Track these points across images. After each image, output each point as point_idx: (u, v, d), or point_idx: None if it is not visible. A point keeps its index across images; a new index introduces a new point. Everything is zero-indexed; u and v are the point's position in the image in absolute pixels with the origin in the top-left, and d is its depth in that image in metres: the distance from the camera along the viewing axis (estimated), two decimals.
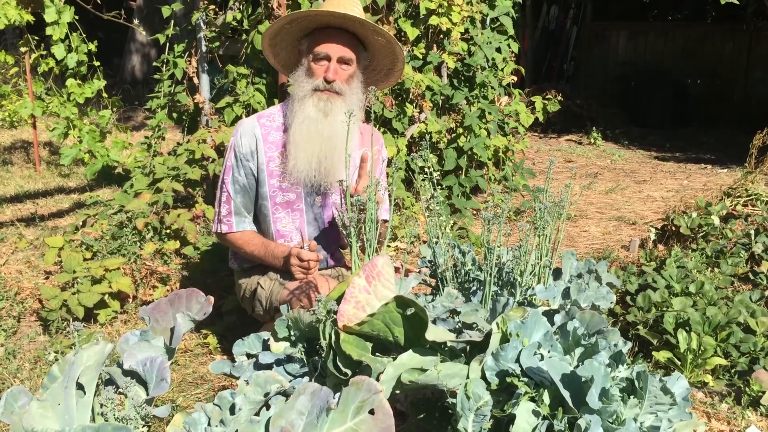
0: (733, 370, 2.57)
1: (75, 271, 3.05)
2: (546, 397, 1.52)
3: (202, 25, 3.92)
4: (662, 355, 2.59)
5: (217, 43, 3.98)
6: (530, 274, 2.05)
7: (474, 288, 2.23)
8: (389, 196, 2.67)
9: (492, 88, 4.65)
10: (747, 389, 2.43)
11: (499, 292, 2.07)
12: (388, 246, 3.37)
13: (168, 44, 4.13)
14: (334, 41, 2.31)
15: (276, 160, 2.44)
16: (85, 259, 3.20)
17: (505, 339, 1.64)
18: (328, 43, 2.31)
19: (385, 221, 2.48)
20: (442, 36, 4.37)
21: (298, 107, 2.34)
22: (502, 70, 4.88)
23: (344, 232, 1.99)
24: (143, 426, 1.63)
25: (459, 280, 2.35)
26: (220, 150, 3.85)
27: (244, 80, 3.90)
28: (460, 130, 4.41)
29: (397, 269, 1.87)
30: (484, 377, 1.57)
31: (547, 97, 5.26)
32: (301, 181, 2.41)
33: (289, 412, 1.47)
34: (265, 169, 2.44)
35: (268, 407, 1.61)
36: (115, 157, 4.29)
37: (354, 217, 1.92)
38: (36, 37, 4.09)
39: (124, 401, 1.64)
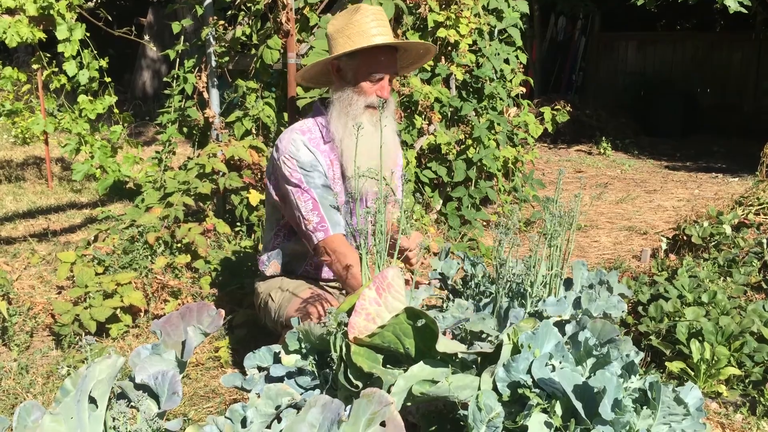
0: (747, 380, 2.55)
1: (87, 286, 3.07)
2: (558, 409, 1.51)
3: (211, 40, 3.95)
4: (675, 366, 2.58)
5: (227, 58, 4.01)
6: (541, 285, 2.04)
7: (485, 301, 2.22)
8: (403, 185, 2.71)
9: (501, 99, 4.65)
10: (762, 399, 2.41)
11: (510, 303, 2.06)
12: (398, 258, 3.37)
13: (178, 60, 4.17)
14: (388, 63, 2.38)
15: (329, 168, 2.47)
16: (97, 274, 3.22)
17: (516, 350, 1.63)
18: (383, 66, 2.37)
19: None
20: (450, 48, 4.38)
21: (354, 124, 2.35)
22: (510, 81, 4.88)
23: (354, 244, 2.00)
24: None
25: (469, 291, 2.35)
26: (230, 164, 3.87)
27: (254, 94, 3.92)
28: (469, 142, 4.41)
29: (407, 281, 1.87)
30: (495, 389, 1.56)
31: (556, 107, 5.26)
32: (348, 189, 2.45)
33: (300, 425, 1.47)
34: (328, 174, 2.46)
35: (279, 420, 1.61)
36: (126, 172, 4.32)
37: (364, 229, 1.92)
38: (48, 54, 4.14)
39: (136, 415, 1.64)
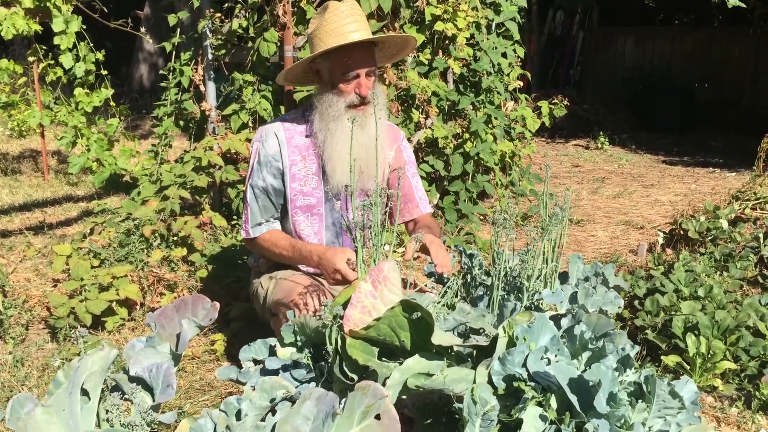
0: (742, 374, 2.55)
1: (83, 279, 3.06)
2: (553, 402, 1.51)
3: (208, 33, 3.94)
4: (671, 360, 2.58)
5: (223, 51, 4.00)
6: (537, 278, 2.04)
7: (481, 293, 2.22)
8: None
9: (498, 93, 4.64)
10: (757, 393, 2.41)
11: (506, 296, 2.06)
12: (395, 252, 3.36)
13: (175, 52, 4.15)
14: (360, 59, 2.30)
15: (298, 164, 2.45)
16: (92, 267, 3.21)
17: (511, 343, 1.63)
18: (356, 63, 2.30)
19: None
20: (447, 41, 4.37)
21: (335, 126, 2.33)
22: (508, 75, 4.87)
23: (350, 236, 1.99)
24: None
25: (466, 286, 2.34)
26: (227, 157, 3.86)
27: (250, 87, 3.91)
28: (467, 136, 4.40)
29: (404, 281, 1.86)
30: (490, 382, 1.56)
31: (554, 102, 5.25)
32: (327, 187, 2.43)
33: (295, 418, 1.47)
34: (288, 172, 2.45)
35: (274, 413, 1.61)
36: (122, 165, 4.31)
37: (360, 222, 1.92)
38: (44, 47, 4.12)
39: (130, 407, 1.64)
